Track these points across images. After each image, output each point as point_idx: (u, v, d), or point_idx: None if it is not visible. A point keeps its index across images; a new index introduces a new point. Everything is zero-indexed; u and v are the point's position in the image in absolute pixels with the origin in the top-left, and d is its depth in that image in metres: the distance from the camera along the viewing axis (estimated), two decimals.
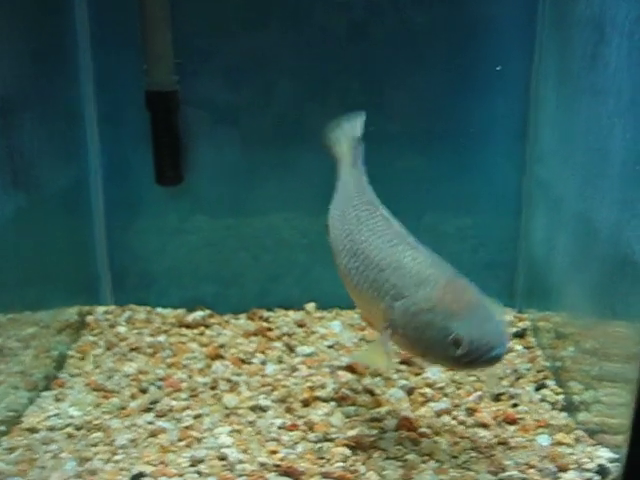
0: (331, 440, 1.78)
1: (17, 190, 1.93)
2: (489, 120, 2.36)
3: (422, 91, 2.35)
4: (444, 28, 2.29)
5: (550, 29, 2.22)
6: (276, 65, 2.33)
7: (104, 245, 2.46)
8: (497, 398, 1.97)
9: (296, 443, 1.78)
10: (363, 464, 1.69)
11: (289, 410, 1.92)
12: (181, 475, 1.65)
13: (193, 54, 2.31)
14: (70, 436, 1.81)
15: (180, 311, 2.46)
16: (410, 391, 2.00)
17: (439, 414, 1.90)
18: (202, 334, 2.34)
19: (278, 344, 2.27)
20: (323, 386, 2.03)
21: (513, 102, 2.34)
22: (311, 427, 1.83)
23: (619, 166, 1.65)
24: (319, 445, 1.76)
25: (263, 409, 1.93)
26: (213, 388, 2.03)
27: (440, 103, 2.36)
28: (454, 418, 1.88)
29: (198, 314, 2.43)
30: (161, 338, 2.30)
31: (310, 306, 2.48)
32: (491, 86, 2.33)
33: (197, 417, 1.89)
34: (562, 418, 1.88)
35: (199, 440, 1.79)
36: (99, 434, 1.81)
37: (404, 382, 2.05)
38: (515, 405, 1.93)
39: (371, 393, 2.00)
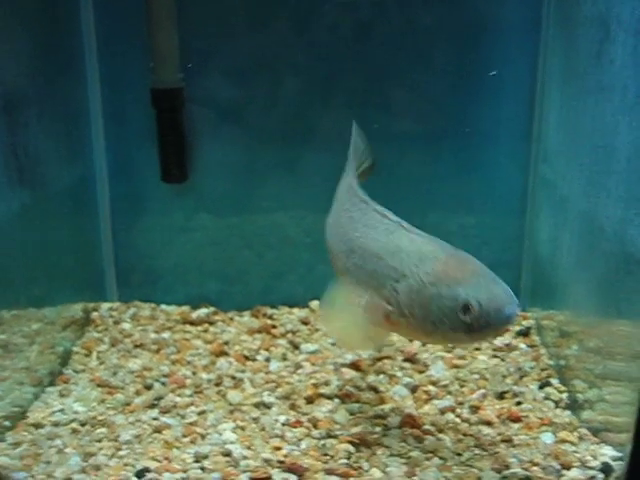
0: (335, 437, 1.78)
1: (23, 187, 1.94)
2: (494, 119, 2.36)
3: (427, 91, 2.35)
4: (449, 28, 2.30)
5: (555, 28, 2.21)
6: (281, 64, 2.34)
7: (109, 242, 2.47)
8: (501, 396, 1.97)
9: (300, 440, 1.78)
10: (367, 461, 1.69)
11: (293, 407, 1.92)
12: (185, 471, 1.66)
13: (199, 52, 2.32)
14: (75, 431, 1.81)
15: (184, 308, 2.47)
16: (414, 389, 2.00)
17: (443, 412, 1.90)
18: (206, 331, 2.35)
19: (282, 341, 2.28)
20: (327, 383, 2.03)
21: (518, 101, 2.34)
22: (315, 424, 1.84)
23: (624, 163, 1.65)
24: (323, 442, 1.76)
25: (267, 406, 1.93)
26: (217, 385, 2.04)
27: (445, 103, 2.36)
28: (458, 416, 1.88)
29: (202, 311, 2.44)
30: (165, 335, 2.31)
31: (314, 304, 2.48)
32: (496, 86, 2.33)
33: (201, 413, 1.90)
34: (566, 416, 1.88)
35: (203, 436, 1.79)
36: (103, 430, 1.81)
37: (408, 380, 2.05)
38: (519, 403, 1.93)
39: (375, 390, 2.00)
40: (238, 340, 2.27)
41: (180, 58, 2.29)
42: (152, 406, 1.93)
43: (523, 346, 2.23)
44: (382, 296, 1.59)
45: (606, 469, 1.64)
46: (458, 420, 1.87)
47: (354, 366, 2.12)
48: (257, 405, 1.93)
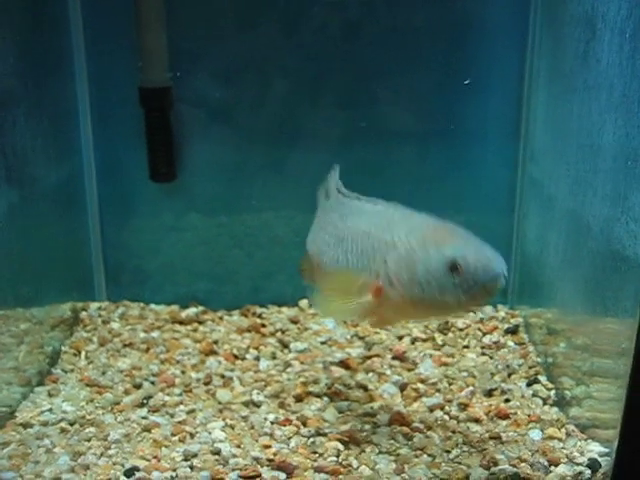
0: (324, 435, 1.78)
1: (11, 187, 1.93)
2: (482, 119, 2.37)
3: (415, 91, 2.36)
4: (437, 28, 2.30)
5: (542, 28, 2.23)
6: (270, 64, 2.34)
7: (98, 241, 2.46)
8: (489, 393, 1.99)
9: (289, 438, 1.78)
10: (356, 458, 1.70)
11: (282, 405, 1.93)
12: (174, 469, 1.66)
13: (187, 52, 2.32)
14: (63, 431, 1.81)
15: (174, 307, 2.47)
16: (403, 386, 2.01)
17: (432, 409, 1.91)
18: (196, 330, 2.35)
19: (271, 340, 2.28)
20: (316, 381, 2.04)
21: (505, 101, 2.35)
22: (304, 422, 1.84)
23: (610, 162, 1.66)
24: (312, 440, 1.77)
25: (256, 404, 1.94)
26: (207, 383, 2.04)
27: (433, 102, 2.37)
28: (447, 413, 1.89)
29: (192, 310, 2.44)
30: (155, 334, 2.30)
31: (303, 303, 2.49)
32: (483, 85, 2.34)
33: (190, 412, 1.90)
34: (553, 413, 1.89)
35: (192, 435, 1.79)
36: (92, 429, 1.81)
37: (397, 378, 2.05)
38: (507, 400, 1.95)
39: (364, 388, 2.01)
40: (227, 339, 2.27)
41: (168, 57, 2.28)
42: (141, 405, 1.93)
43: (511, 344, 2.24)
44: (372, 272, 1.58)
45: (593, 465, 1.65)
46: (447, 417, 1.88)
47: (343, 364, 2.13)
48: (246, 404, 1.94)
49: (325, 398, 1.96)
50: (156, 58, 2.26)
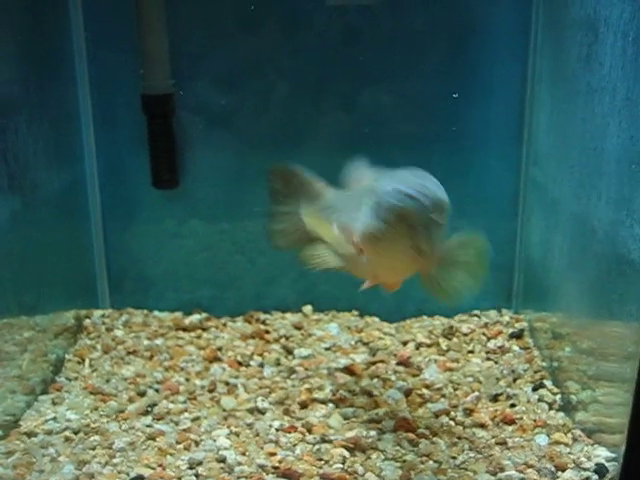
0: (329, 442, 1.78)
1: (13, 194, 1.93)
2: (484, 123, 2.37)
3: (417, 95, 2.35)
4: (439, 31, 2.30)
5: (544, 31, 2.22)
6: (272, 70, 2.34)
7: (101, 248, 2.46)
8: (495, 398, 1.98)
9: (294, 445, 1.78)
10: (361, 465, 1.69)
11: (287, 412, 1.92)
12: (179, 478, 1.66)
13: (189, 59, 2.32)
14: (68, 440, 1.80)
15: (177, 314, 2.46)
16: (408, 392, 2.00)
17: (437, 415, 1.90)
18: (199, 337, 2.34)
19: (276, 346, 2.27)
20: (321, 388, 2.03)
21: (508, 104, 2.34)
22: (309, 429, 1.83)
23: (614, 165, 1.66)
24: (317, 447, 1.76)
25: (261, 411, 1.93)
26: (211, 391, 2.03)
27: (435, 106, 2.36)
28: (452, 419, 1.89)
29: (195, 317, 2.43)
30: (158, 341, 2.30)
31: (307, 309, 2.49)
32: (486, 89, 2.34)
33: (195, 420, 1.89)
34: (560, 418, 1.88)
35: (197, 443, 1.79)
36: (97, 437, 1.81)
37: (402, 383, 2.05)
38: (513, 405, 1.94)
39: (369, 394, 2.00)
40: (231, 346, 2.27)
41: (170, 64, 2.28)
42: (146, 413, 1.93)
43: (516, 348, 2.24)
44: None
45: (600, 470, 1.65)
46: (452, 423, 1.87)
47: (348, 370, 2.12)
48: (251, 411, 1.93)
49: (330, 404, 1.96)
50: (158, 65, 2.26)
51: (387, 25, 2.29)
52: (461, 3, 2.29)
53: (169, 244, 2.49)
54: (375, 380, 2.08)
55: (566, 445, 1.76)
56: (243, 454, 1.74)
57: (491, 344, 2.25)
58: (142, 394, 2.01)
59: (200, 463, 1.70)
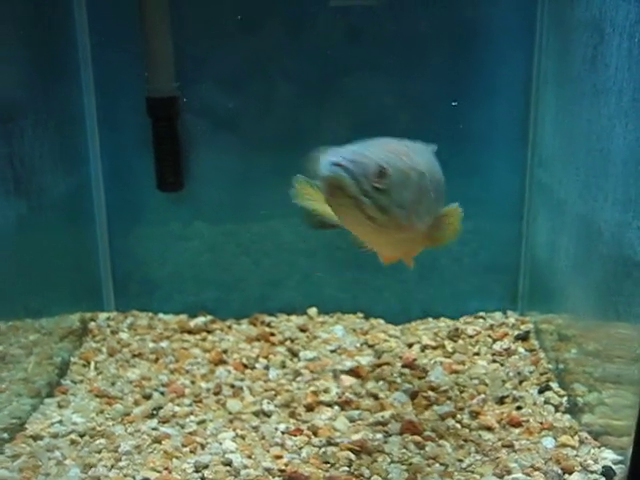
0: (335, 444, 1.77)
1: (19, 198, 1.93)
2: (489, 123, 2.36)
3: (422, 96, 2.35)
4: (443, 32, 2.30)
5: (549, 32, 2.22)
6: (275, 72, 2.34)
7: (106, 251, 2.46)
8: (501, 401, 1.97)
9: (300, 448, 1.77)
10: (368, 468, 1.69)
11: (293, 415, 1.92)
12: None
13: (193, 61, 2.32)
14: (74, 443, 1.80)
15: (182, 317, 2.46)
16: (414, 395, 2.00)
17: (443, 417, 1.89)
18: (204, 340, 2.34)
19: (281, 349, 2.27)
20: (327, 390, 2.03)
21: (513, 105, 2.34)
22: (315, 432, 1.83)
23: (621, 166, 1.65)
24: (323, 449, 1.76)
25: (267, 414, 1.93)
26: (216, 393, 2.03)
27: (440, 107, 2.36)
28: (458, 421, 1.88)
29: (200, 320, 2.43)
30: (164, 344, 2.30)
31: (312, 311, 2.48)
32: (491, 90, 2.33)
33: (201, 423, 1.89)
34: (566, 420, 1.88)
35: (203, 446, 1.79)
36: (103, 440, 1.80)
37: (407, 386, 2.04)
38: (519, 408, 1.93)
39: (375, 397, 2.00)
40: (237, 348, 2.27)
41: (175, 66, 2.28)
42: (151, 416, 1.93)
43: (522, 350, 2.23)
44: None
45: (608, 473, 1.64)
46: (458, 426, 1.86)
47: (353, 373, 2.12)
48: (257, 413, 1.93)
49: (336, 407, 1.95)
50: (163, 67, 2.26)
51: (392, 26, 2.29)
52: (466, 4, 2.29)
53: (174, 247, 2.49)
54: (381, 383, 2.07)
55: (573, 448, 1.75)
56: (249, 457, 1.74)
57: (497, 346, 2.25)
58: (148, 397, 2.01)
59: (206, 466, 1.70)
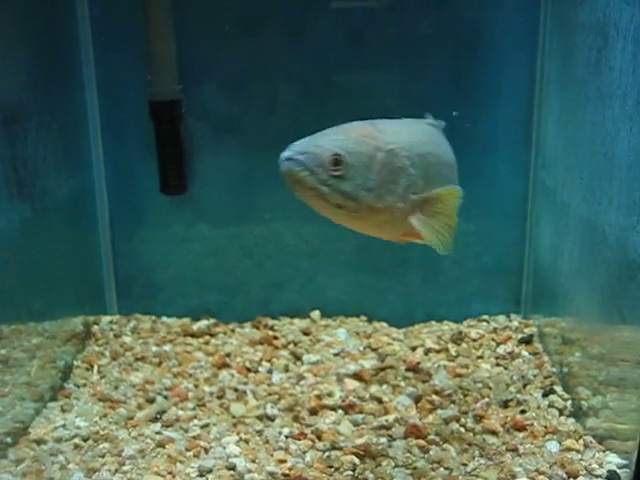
0: (339, 448, 1.77)
1: (22, 201, 1.93)
2: (492, 126, 2.36)
3: (425, 98, 2.35)
4: (446, 35, 2.30)
5: (552, 35, 2.22)
6: (278, 75, 2.34)
7: (109, 254, 2.46)
8: (505, 405, 1.97)
9: (304, 452, 1.77)
10: (372, 472, 1.68)
11: (296, 419, 1.91)
12: None
13: (196, 64, 2.32)
14: (77, 447, 1.80)
15: (185, 320, 2.46)
16: (417, 398, 2.00)
17: (447, 421, 1.89)
18: (208, 343, 2.34)
19: (284, 352, 2.27)
20: (330, 394, 2.02)
21: (516, 108, 2.34)
22: (319, 436, 1.83)
23: (625, 170, 1.65)
24: (327, 454, 1.75)
25: (270, 418, 1.93)
26: (220, 397, 2.03)
27: (443, 110, 2.35)
28: (462, 425, 1.88)
29: (203, 323, 2.43)
30: (167, 347, 2.29)
31: (315, 314, 2.48)
32: (494, 92, 2.33)
33: (204, 427, 1.89)
34: (570, 424, 1.87)
35: (207, 450, 1.78)
36: (106, 445, 1.80)
37: (411, 389, 2.04)
38: (523, 411, 1.93)
39: (378, 401, 2.00)
40: (240, 352, 2.26)
41: (178, 70, 2.28)
42: (155, 420, 1.92)
43: (526, 354, 2.23)
44: None
45: (612, 477, 1.64)
46: (463, 430, 1.86)
47: (357, 376, 2.11)
48: (260, 417, 1.93)
49: (340, 411, 1.95)
50: (166, 71, 2.26)
51: (395, 28, 2.29)
52: (469, 6, 2.29)
53: (177, 249, 2.49)
54: (384, 386, 2.07)
55: (577, 452, 1.75)
56: (253, 461, 1.73)
57: (500, 349, 2.24)
58: (151, 401, 2.01)
59: (210, 471, 1.69)
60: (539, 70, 2.27)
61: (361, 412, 1.94)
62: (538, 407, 1.95)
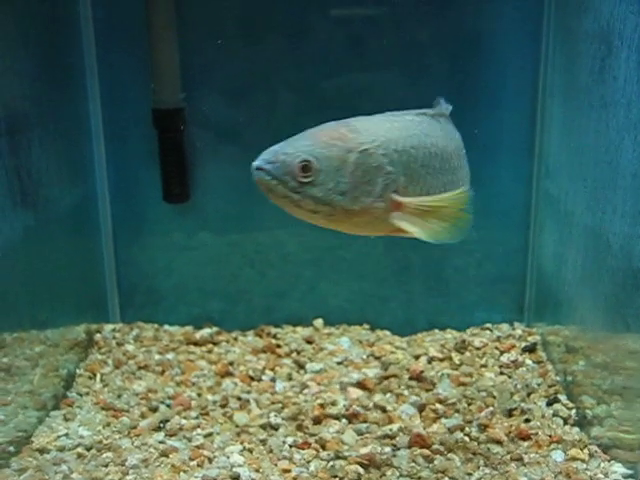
0: (344, 458, 1.76)
1: (26, 210, 1.93)
2: (495, 134, 2.36)
3: (428, 106, 2.34)
4: (448, 43, 2.30)
5: (556, 43, 2.22)
6: (280, 83, 2.34)
7: (112, 263, 2.46)
8: (509, 413, 1.96)
9: (309, 461, 1.76)
10: None
11: (300, 428, 1.91)
12: None
13: (199, 73, 2.32)
14: (80, 456, 1.79)
15: (188, 328, 2.46)
16: (421, 407, 1.99)
17: (452, 430, 1.88)
18: (210, 351, 2.33)
19: (287, 361, 2.26)
20: (334, 403, 2.02)
21: (519, 116, 2.34)
22: (323, 445, 1.82)
23: (630, 179, 1.65)
24: (332, 463, 1.74)
25: (274, 427, 1.92)
26: (223, 406, 2.02)
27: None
28: (467, 434, 1.87)
29: (206, 331, 2.42)
30: (170, 356, 2.29)
31: (318, 322, 2.48)
32: (497, 101, 2.33)
33: (208, 436, 1.88)
34: (575, 433, 1.87)
35: (211, 459, 1.77)
36: (110, 454, 1.79)
37: (415, 398, 2.03)
38: (527, 420, 1.92)
39: (382, 410, 1.99)
40: (243, 360, 2.26)
41: (181, 79, 2.28)
42: (158, 429, 1.92)
43: (529, 362, 2.22)
44: None
45: None
46: (467, 439, 1.85)
47: (360, 385, 2.11)
48: (264, 426, 1.92)
49: (343, 420, 1.94)
50: (169, 79, 2.26)
51: (396, 36, 2.29)
52: (472, 15, 2.29)
53: (179, 258, 2.49)
54: (388, 395, 2.06)
55: (582, 461, 1.74)
56: (257, 471, 1.73)
57: (504, 358, 2.23)
58: (154, 409, 2.00)
59: None
60: (542, 78, 2.28)
61: (365, 421, 1.94)
62: (542, 416, 1.94)
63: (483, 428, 1.89)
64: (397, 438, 1.84)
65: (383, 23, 2.29)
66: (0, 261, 1.80)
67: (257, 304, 2.51)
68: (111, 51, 2.31)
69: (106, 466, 1.75)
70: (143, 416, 1.97)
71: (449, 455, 1.78)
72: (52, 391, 2.04)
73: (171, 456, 1.78)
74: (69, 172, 2.22)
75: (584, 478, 1.67)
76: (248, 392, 2.09)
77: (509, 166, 2.38)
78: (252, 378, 2.16)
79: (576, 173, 2.01)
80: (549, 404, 1.99)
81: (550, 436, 1.85)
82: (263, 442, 1.85)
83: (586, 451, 1.78)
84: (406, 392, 2.07)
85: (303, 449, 1.81)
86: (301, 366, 2.23)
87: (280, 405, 2.02)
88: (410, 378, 2.14)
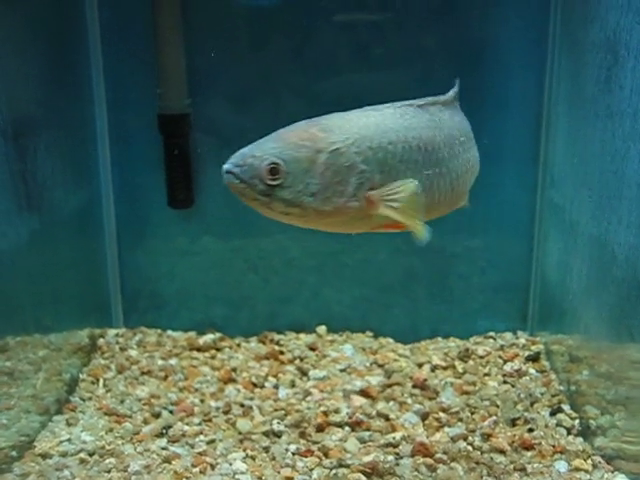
0: (346, 466, 1.76)
1: (31, 214, 1.93)
2: (500, 142, 2.36)
3: None
4: (454, 51, 2.30)
5: (561, 52, 2.22)
6: (285, 88, 2.34)
7: (115, 267, 2.46)
8: (513, 423, 1.96)
9: (311, 469, 1.76)
10: None
11: (303, 435, 1.90)
12: None
13: (205, 79, 2.32)
14: (83, 462, 1.79)
15: (191, 334, 2.45)
16: (425, 416, 1.98)
17: (455, 439, 1.88)
18: (213, 357, 2.33)
19: (290, 368, 2.26)
20: (337, 411, 2.01)
21: (525, 125, 2.34)
22: (326, 453, 1.82)
23: (635, 188, 1.65)
24: (334, 471, 1.74)
25: (277, 434, 1.91)
26: (226, 412, 2.02)
27: None
28: (470, 444, 1.86)
29: (209, 337, 2.42)
30: (172, 361, 2.29)
31: (321, 329, 2.47)
32: (502, 109, 2.33)
33: (211, 442, 1.88)
34: (579, 443, 1.86)
35: (213, 466, 1.77)
36: (112, 460, 1.79)
37: (418, 407, 2.03)
38: (531, 430, 1.92)
39: (385, 418, 1.99)
40: (246, 367, 2.25)
41: (187, 84, 2.29)
42: (161, 435, 1.91)
43: (533, 371, 2.21)
44: None
45: None
46: (470, 448, 1.85)
47: (363, 393, 2.10)
48: (267, 434, 1.91)
49: (346, 428, 1.94)
50: (175, 85, 2.27)
51: (401, 43, 2.30)
52: (477, 23, 2.29)
53: (183, 263, 2.49)
54: (391, 403, 2.06)
55: (586, 472, 1.74)
56: (259, 478, 1.72)
57: (507, 367, 2.23)
58: (157, 415, 2.00)
59: None
60: (548, 87, 2.28)
61: (368, 429, 1.93)
62: (546, 426, 1.94)
63: (486, 437, 1.89)
64: (400, 446, 1.84)
65: (388, 29, 2.29)
66: (5, 265, 1.80)
67: (260, 310, 2.51)
68: (117, 55, 2.31)
69: (108, 472, 1.75)
70: (146, 422, 1.97)
71: (452, 464, 1.77)
72: (55, 396, 2.04)
73: (173, 462, 1.78)
74: (74, 176, 2.22)
75: None
76: (251, 399, 2.08)
77: (514, 174, 2.38)
78: (255, 385, 2.16)
79: (581, 182, 2.01)
80: (552, 414, 1.99)
81: (553, 446, 1.84)
82: (266, 449, 1.84)
83: (590, 461, 1.77)
84: (409, 400, 2.07)
85: (306, 457, 1.81)
86: (304, 373, 2.22)
87: (283, 412, 2.01)
88: (413, 386, 2.14)
